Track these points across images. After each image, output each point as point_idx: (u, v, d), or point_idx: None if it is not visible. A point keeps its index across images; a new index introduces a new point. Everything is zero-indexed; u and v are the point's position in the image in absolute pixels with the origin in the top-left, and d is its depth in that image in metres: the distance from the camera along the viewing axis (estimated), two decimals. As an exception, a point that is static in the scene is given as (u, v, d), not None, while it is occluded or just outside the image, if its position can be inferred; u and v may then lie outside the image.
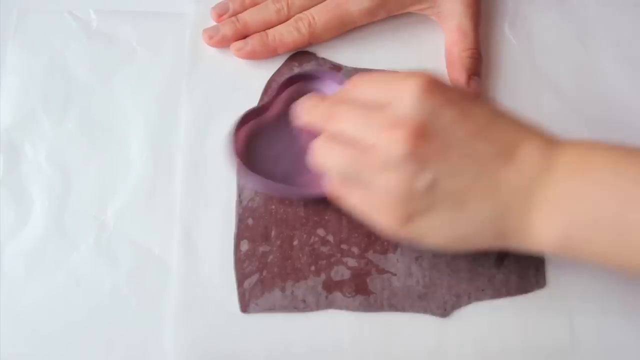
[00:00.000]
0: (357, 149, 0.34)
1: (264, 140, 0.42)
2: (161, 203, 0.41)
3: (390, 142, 0.33)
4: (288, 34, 0.44)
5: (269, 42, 0.44)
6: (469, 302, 0.39)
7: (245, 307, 0.39)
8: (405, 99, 0.33)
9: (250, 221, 0.41)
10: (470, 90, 0.35)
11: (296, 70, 0.44)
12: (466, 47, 0.44)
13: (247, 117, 0.42)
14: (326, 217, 0.41)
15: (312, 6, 0.45)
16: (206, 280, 0.39)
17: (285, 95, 0.43)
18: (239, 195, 0.41)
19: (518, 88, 0.45)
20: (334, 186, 0.37)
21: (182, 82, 0.44)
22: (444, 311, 0.39)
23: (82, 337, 0.38)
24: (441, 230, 0.34)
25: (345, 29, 0.45)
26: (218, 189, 0.41)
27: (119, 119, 0.43)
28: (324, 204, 0.41)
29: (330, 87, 0.44)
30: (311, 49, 0.45)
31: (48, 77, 0.44)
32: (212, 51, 0.45)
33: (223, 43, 0.44)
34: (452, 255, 0.40)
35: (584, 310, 0.39)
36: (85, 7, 0.46)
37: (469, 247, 0.35)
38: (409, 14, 0.46)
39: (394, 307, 0.39)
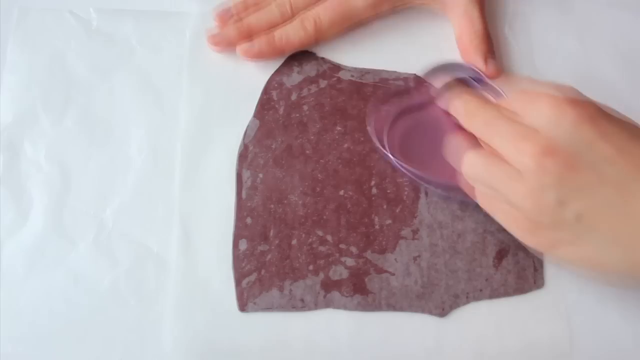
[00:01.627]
0: (506, 171, 0.35)
1: (407, 127, 0.43)
2: (160, 202, 0.41)
3: (538, 168, 0.33)
4: (294, 34, 0.44)
5: (276, 42, 0.44)
6: (467, 302, 0.39)
7: (243, 306, 0.39)
8: (562, 126, 0.33)
9: (249, 220, 0.41)
10: (631, 124, 0.35)
11: (296, 69, 0.45)
12: (475, 31, 0.44)
13: (388, 96, 0.43)
14: (325, 217, 0.41)
15: (315, 5, 0.45)
16: (205, 279, 0.39)
17: (428, 87, 0.44)
18: (238, 194, 0.41)
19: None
20: (478, 196, 0.38)
21: (182, 80, 0.44)
22: (442, 311, 0.39)
23: (81, 335, 0.38)
24: (590, 261, 0.34)
25: (350, 23, 0.45)
26: (217, 188, 0.41)
27: (119, 117, 0.43)
28: (322, 202, 0.41)
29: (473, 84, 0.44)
30: (311, 49, 0.45)
31: (48, 76, 0.44)
32: (212, 50, 0.45)
33: (228, 46, 0.44)
34: (450, 255, 0.40)
35: (582, 310, 0.39)
36: (85, 5, 0.46)
37: (628, 285, 0.36)
38: (409, 10, 0.46)
39: (392, 306, 0.39)
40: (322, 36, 0.45)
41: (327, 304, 0.39)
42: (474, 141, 0.38)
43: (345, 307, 0.39)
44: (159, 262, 0.40)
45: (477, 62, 0.44)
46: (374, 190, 0.42)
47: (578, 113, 0.33)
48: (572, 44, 0.47)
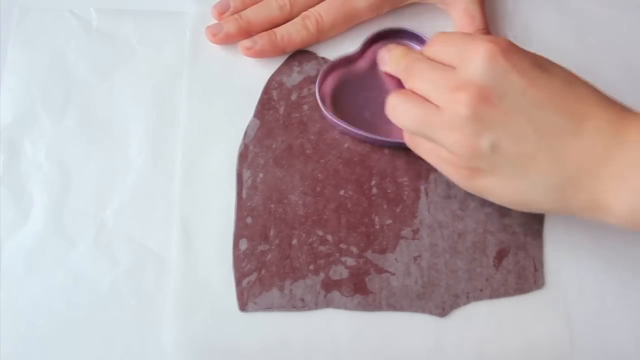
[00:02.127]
0: (425, 108, 0.36)
1: (351, 88, 0.44)
2: (160, 201, 0.41)
3: (453, 104, 0.34)
4: (296, 33, 0.44)
5: (278, 41, 0.44)
6: (467, 302, 0.39)
7: (243, 306, 0.39)
8: (474, 62, 0.34)
9: (249, 220, 0.41)
10: (541, 57, 0.36)
11: (296, 69, 0.44)
12: (476, 28, 0.44)
13: (335, 65, 0.44)
14: (325, 217, 0.41)
15: (316, 2, 0.45)
16: (205, 279, 0.39)
17: (373, 48, 0.45)
18: (238, 194, 0.41)
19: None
20: (407, 138, 0.39)
21: (182, 80, 0.44)
22: (442, 311, 0.39)
23: (81, 335, 0.38)
24: (504, 191, 0.36)
25: (352, 24, 0.45)
26: (217, 188, 0.41)
27: (119, 117, 0.43)
28: (322, 202, 0.41)
29: (414, 47, 0.45)
30: (310, 49, 0.45)
31: (48, 76, 0.44)
32: (213, 50, 0.45)
33: (226, 40, 0.44)
34: (450, 255, 0.40)
35: (582, 310, 0.39)
36: (85, 5, 0.46)
37: (532, 210, 0.36)
38: (410, 7, 0.46)
39: (392, 306, 0.39)
40: (324, 36, 0.45)
41: (328, 304, 0.39)
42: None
43: (345, 307, 0.39)
44: (159, 261, 0.40)
45: None
46: (374, 190, 0.42)
47: (489, 48, 0.34)
48: (571, 43, 0.47)
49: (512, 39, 0.45)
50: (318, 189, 0.42)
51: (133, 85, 0.44)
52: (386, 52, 0.43)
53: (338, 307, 0.39)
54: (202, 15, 0.46)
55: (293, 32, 0.44)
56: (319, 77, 0.43)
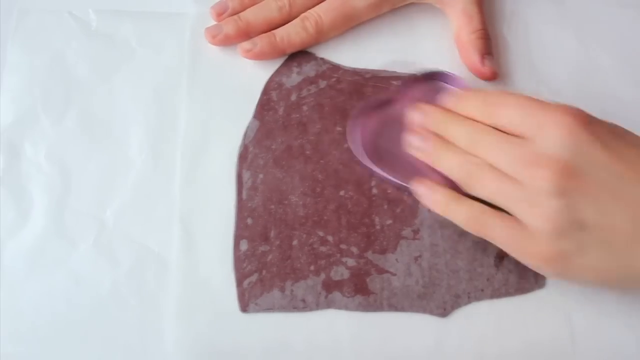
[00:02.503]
0: (503, 181, 0.35)
1: (387, 133, 0.42)
2: (161, 202, 0.41)
3: (536, 180, 0.33)
4: (296, 34, 0.44)
5: (277, 43, 0.44)
6: (468, 302, 0.39)
7: (244, 307, 0.39)
8: (553, 136, 0.33)
9: (249, 221, 0.41)
10: (617, 128, 0.35)
11: (295, 70, 0.45)
12: (474, 28, 0.44)
13: (369, 107, 0.43)
14: (325, 217, 0.41)
15: (315, 3, 0.45)
16: (206, 280, 0.39)
17: (408, 91, 0.43)
18: (238, 195, 0.41)
19: (515, 88, 0.45)
20: (471, 222, 0.37)
21: (182, 81, 0.44)
22: (443, 311, 0.39)
23: (82, 336, 0.38)
24: (594, 270, 0.34)
25: (351, 25, 0.45)
26: (217, 189, 0.41)
27: (119, 118, 0.43)
28: (322, 203, 0.41)
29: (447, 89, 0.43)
30: (310, 49, 0.45)
31: (48, 77, 0.44)
32: (212, 51, 0.45)
33: (226, 42, 0.44)
34: (451, 255, 0.40)
35: (583, 310, 0.39)
36: (84, 7, 0.46)
37: (626, 287, 0.35)
38: (408, 7, 0.46)
39: (393, 307, 0.39)
40: (323, 37, 0.45)
41: (329, 305, 0.39)
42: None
43: (346, 308, 0.39)
44: (160, 262, 0.40)
45: (474, 58, 0.44)
46: (374, 191, 0.42)
47: (568, 121, 0.33)
48: (570, 43, 0.47)
49: (511, 40, 0.46)
50: (318, 189, 0.41)
51: (133, 86, 0.44)
52: (426, 116, 0.40)
53: (339, 307, 0.39)
54: (201, 16, 0.46)
55: (292, 34, 0.44)
56: (351, 119, 0.42)
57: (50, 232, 0.40)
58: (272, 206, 0.41)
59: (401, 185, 0.41)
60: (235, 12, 0.45)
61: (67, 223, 0.40)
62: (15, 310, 0.38)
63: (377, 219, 0.41)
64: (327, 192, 0.41)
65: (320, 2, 0.45)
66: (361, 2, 0.44)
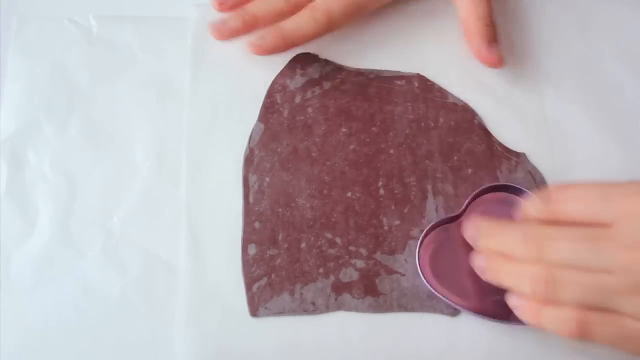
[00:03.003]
0: (595, 275, 0.32)
1: (451, 251, 0.40)
2: (167, 208, 0.41)
3: (635, 264, 0.31)
4: (306, 25, 0.42)
5: (287, 35, 0.42)
6: (478, 301, 0.39)
7: (254, 311, 0.39)
8: (637, 217, 0.31)
9: (257, 225, 0.40)
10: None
11: (299, 72, 0.44)
12: (480, 15, 0.43)
13: (436, 225, 0.40)
14: (333, 219, 0.41)
15: None
16: (215, 285, 0.39)
17: (475, 205, 0.41)
18: (245, 199, 0.41)
19: (518, 84, 0.45)
20: (575, 326, 0.33)
21: (185, 86, 0.44)
22: (453, 310, 0.39)
23: (92, 345, 0.38)
24: None
25: (360, 13, 0.44)
26: (224, 193, 0.41)
27: (123, 124, 0.43)
28: (330, 205, 0.41)
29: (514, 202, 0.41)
30: (313, 51, 0.45)
31: (49, 84, 0.44)
32: (215, 54, 0.45)
33: (231, 36, 0.43)
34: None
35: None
36: (85, 13, 0.46)
37: None
38: (412, 3, 0.46)
39: (403, 307, 0.39)
40: (334, 27, 0.43)
41: (339, 307, 0.39)
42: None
43: (356, 309, 0.39)
44: (168, 269, 0.39)
45: (480, 46, 0.43)
46: (382, 191, 0.41)
47: None
48: (575, 39, 0.47)
49: (515, 37, 0.46)
50: (325, 191, 0.41)
51: (135, 91, 0.44)
52: (482, 230, 0.37)
53: (349, 309, 0.39)
54: (203, 20, 0.45)
55: (302, 25, 0.42)
56: (420, 238, 0.40)
57: (57, 240, 0.40)
58: (280, 209, 0.41)
59: (460, 308, 0.39)
60: (239, 3, 0.44)
61: (74, 231, 0.40)
62: (24, 319, 0.38)
63: (385, 220, 0.41)
64: (334, 194, 0.41)
65: None
66: None
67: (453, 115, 0.44)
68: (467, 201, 0.40)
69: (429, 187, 0.42)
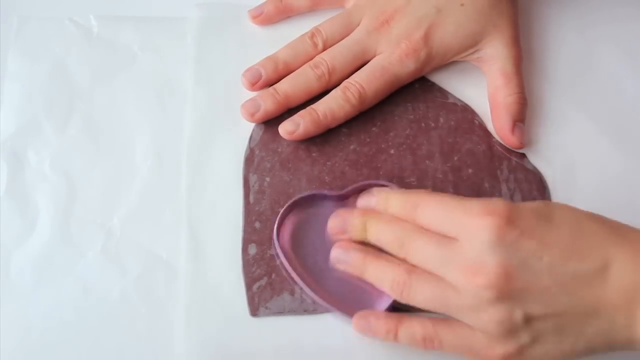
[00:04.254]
0: (441, 288, 0.34)
1: (314, 231, 0.40)
2: (167, 208, 0.41)
3: (473, 287, 0.32)
4: (339, 108, 0.42)
5: (321, 119, 0.41)
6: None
7: (255, 311, 0.39)
8: (480, 239, 0.32)
9: (257, 225, 0.40)
10: (540, 206, 0.34)
11: None
12: (511, 91, 0.43)
13: (305, 199, 0.40)
14: (333, 219, 0.41)
15: (353, 68, 0.43)
16: (215, 285, 0.39)
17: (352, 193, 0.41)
18: (246, 199, 0.41)
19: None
20: (425, 339, 0.35)
21: (185, 86, 0.44)
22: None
23: (92, 345, 0.38)
24: (550, 355, 0.33)
25: (393, 90, 0.43)
26: (224, 193, 0.41)
27: (123, 124, 0.43)
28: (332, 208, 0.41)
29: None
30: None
31: (50, 84, 0.44)
32: (215, 54, 0.45)
33: (265, 119, 0.42)
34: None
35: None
36: (85, 13, 0.46)
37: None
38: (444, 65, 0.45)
39: (404, 307, 0.39)
40: (365, 106, 0.43)
41: (339, 307, 0.39)
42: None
43: (357, 309, 0.39)
44: (168, 269, 0.39)
45: (506, 124, 0.42)
46: (382, 191, 0.41)
47: (491, 222, 0.32)
48: (574, 39, 0.47)
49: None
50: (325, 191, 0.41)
51: (136, 91, 0.44)
52: (346, 222, 0.37)
53: (349, 309, 0.39)
54: (203, 20, 0.45)
55: (335, 108, 0.42)
56: (282, 210, 0.40)
57: (57, 240, 0.40)
58: (280, 209, 0.41)
59: (326, 307, 0.38)
60: (270, 81, 0.43)
61: (74, 231, 0.40)
62: (24, 319, 0.38)
63: (385, 220, 0.41)
64: (334, 194, 0.41)
65: (359, 67, 0.43)
66: (403, 70, 0.42)
67: (453, 116, 0.44)
68: (351, 187, 0.40)
69: (430, 187, 0.42)
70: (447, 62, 0.44)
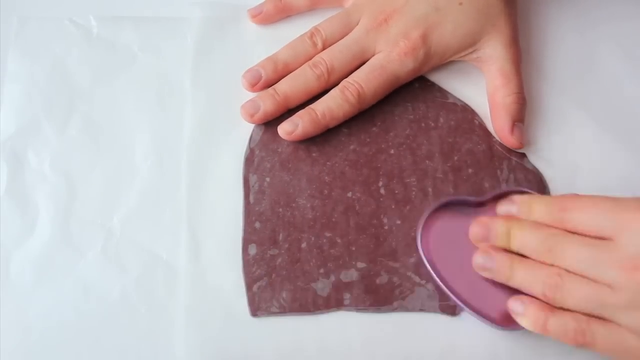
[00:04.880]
0: (596, 287, 0.33)
1: (455, 235, 0.40)
2: (167, 209, 0.41)
3: (633, 284, 0.32)
4: (338, 108, 0.42)
5: (320, 119, 0.41)
6: (479, 300, 0.39)
7: (255, 311, 0.39)
8: (634, 234, 0.32)
9: (257, 225, 0.40)
10: None
11: None
12: (510, 91, 0.43)
13: (448, 203, 0.40)
14: (333, 219, 0.41)
15: (352, 68, 0.43)
16: (215, 285, 0.39)
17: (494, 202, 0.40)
18: (246, 199, 0.41)
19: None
20: (575, 334, 0.34)
21: (185, 86, 0.44)
22: (454, 310, 0.39)
23: (92, 345, 0.38)
24: None
25: (392, 89, 0.43)
26: (224, 193, 0.41)
27: (123, 124, 0.43)
28: (330, 205, 0.41)
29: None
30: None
31: (50, 84, 0.44)
32: (215, 54, 0.45)
33: (265, 120, 0.42)
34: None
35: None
36: (85, 13, 0.46)
37: None
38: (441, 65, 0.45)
39: (404, 307, 0.39)
40: (364, 106, 0.43)
41: (339, 307, 0.39)
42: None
43: (357, 309, 0.39)
44: (168, 269, 0.39)
45: (505, 124, 0.42)
46: (382, 191, 0.41)
47: None
48: (574, 38, 0.47)
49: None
50: (325, 191, 0.41)
51: (136, 91, 0.44)
52: (489, 230, 0.37)
53: (350, 309, 0.39)
54: (203, 21, 0.45)
55: (334, 107, 0.42)
56: (427, 213, 0.40)
57: (57, 241, 0.40)
58: (280, 209, 0.41)
59: (462, 305, 0.38)
60: (270, 81, 0.43)
61: (74, 231, 0.40)
62: (24, 319, 0.38)
63: (385, 220, 0.41)
64: (334, 194, 0.41)
65: (358, 66, 0.43)
66: (402, 69, 0.42)
67: (453, 115, 0.44)
68: (491, 194, 0.40)
69: (430, 187, 0.42)
70: (446, 62, 0.44)
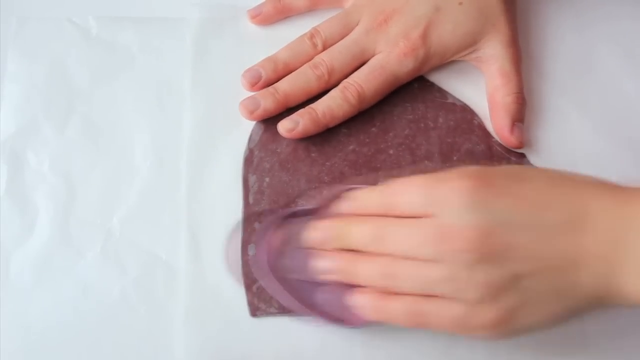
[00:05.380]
0: (422, 267, 0.33)
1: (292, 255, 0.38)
2: (167, 209, 0.41)
3: (455, 254, 0.32)
4: (338, 108, 0.42)
5: (320, 118, 0.41)
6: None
7: (254, 311, 0.39)
8: (455, 207, 0.32)
9: (257, 225, 0.40)
10: (511, 167, 0.34)
11: None
12: (510, 91, 0.43)
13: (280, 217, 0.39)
14: (333, 219, 0.41)
15: (352, 68, 0.43)
16: (215, 286, 0.39)
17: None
18: (245, 199, 0.41)
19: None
20: (408, 318, 0.34)
21: (184, 86, 0.44)
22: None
23: (91, 346, 0.38)
24: (545, 313, 0.33)
25: (392, 89, 0.43)
26: (224, 194, 0.41)
27: (122, 125, 0.43)
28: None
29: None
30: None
31: (49, 85, 0.44)
32: (215, 54, 0.45)
33: (264, 117, 0.42)
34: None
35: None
36: (84, 13, 0.46)
37: (567, 320, 0.34)
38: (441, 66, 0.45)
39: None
40: (365, 106, 0.43)
41: (339, 307, 0.39)
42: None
43: (356, 309, 0.39)
44: (167, 269, 0.39)
45: (504, 124, 0.42)
46: (381, 191, 0.41)
47: (463, 186, 0.32)
48: (573, 38, 0.47)
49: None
50: (325, 192, 0.41)
51: (135, 92, 0.44)
52: (323, 232, 0.37)
53: (349, 309, 0.39)
54: (202, 21, 0.45)
55: (334, 107, 0.42)
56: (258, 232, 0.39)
57: (57, 241, 0.40)
58: (279, 210, 0.41)
59: (308, 316, 0.37)
60: (269, 81, 0.43)
61: (73, 232, 0.40)
62: (24, 320, 0.38)
63: (384, 220, 0.41)
64: (334, 194, 0.41)
65: (358, 67, 0.43)
66: (402, 69, 0.42)
67: (452, 116, 0.44)
68: (320, 198, 0.39)
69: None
70: (446, 62, 0.44)
